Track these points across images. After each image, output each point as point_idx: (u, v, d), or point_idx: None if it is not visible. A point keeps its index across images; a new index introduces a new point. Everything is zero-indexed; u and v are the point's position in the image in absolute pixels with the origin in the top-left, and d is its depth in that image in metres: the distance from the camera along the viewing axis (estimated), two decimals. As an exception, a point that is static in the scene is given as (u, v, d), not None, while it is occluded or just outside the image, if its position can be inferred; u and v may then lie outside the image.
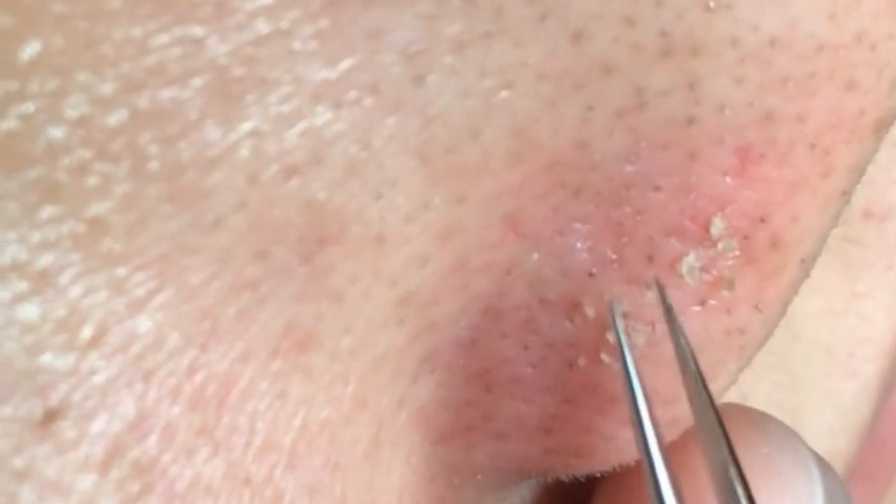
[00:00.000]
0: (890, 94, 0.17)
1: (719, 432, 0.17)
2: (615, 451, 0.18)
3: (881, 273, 0.25)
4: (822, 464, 0.21)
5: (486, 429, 0.18)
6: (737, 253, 0.17)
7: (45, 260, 0.13)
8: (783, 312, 0.18)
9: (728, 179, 0.17)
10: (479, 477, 0.19)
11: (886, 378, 0.26)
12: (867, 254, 0.25)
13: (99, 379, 0.14)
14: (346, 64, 0.15)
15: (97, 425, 0.14)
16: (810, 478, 0.20)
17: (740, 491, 0.16)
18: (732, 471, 0.17)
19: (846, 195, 0.18)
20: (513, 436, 0.18)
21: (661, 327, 0.17)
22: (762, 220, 0.17)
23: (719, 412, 0.17)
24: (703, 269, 0.17)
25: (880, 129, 0.18)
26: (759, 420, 0.21)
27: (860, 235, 0.25)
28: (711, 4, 0.16)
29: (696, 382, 0.17)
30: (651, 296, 0.17)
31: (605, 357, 0.18)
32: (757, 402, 0.25)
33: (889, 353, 0.26)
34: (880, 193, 0.25)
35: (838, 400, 0.26)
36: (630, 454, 0.19)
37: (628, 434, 0.18)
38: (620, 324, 0.17)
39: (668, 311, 0.17)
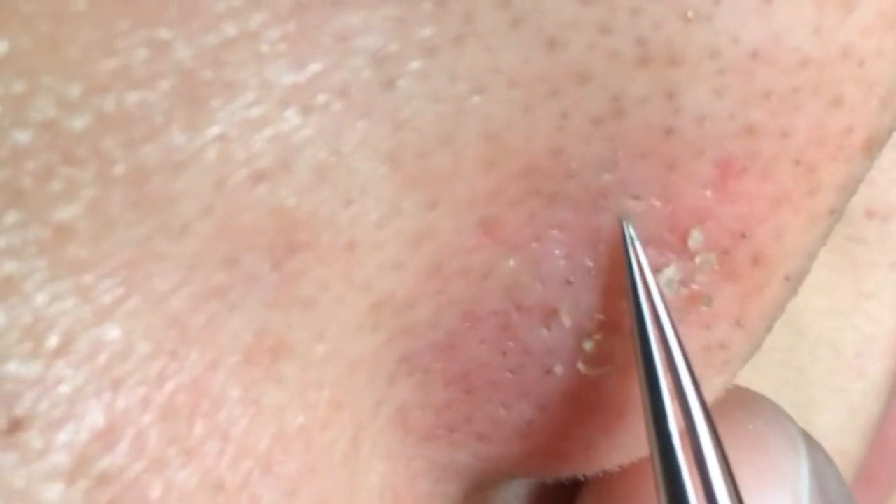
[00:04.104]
0: (880, 113, 0.17)
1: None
2: (594, 457, 0.18)
3: (886, 272, 0.25)
4: (811, 442, 0.20)
5: (468, 430, 0.18)
6: (716, 268, 0.17)
7: (10, 266, 0.13)
8: (769, 328, 0.18)
9: (708, 192, 0.16)
10: (463, 475, 0.19)
11: (894, 377, 0.26)
12: (871, 253, 0.25)
13: (66, 388, 0.14)
14: (314, 67, 0.14)
15: (64, 435, 0.14)
16: (797, 455, 0.20)
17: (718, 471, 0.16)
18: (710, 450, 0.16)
19: (835, 213, 0.17)
20: (493, 438, 0.18)
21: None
22: (743, 236, 0.17)
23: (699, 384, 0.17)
24: (682, 283, 0.17)
25: (871, 148, 0.17)
26: (746, 398, 0.20)
27: (863, 234, 0.25)
28: (690, 14, 0.15)
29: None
30: (627, 305, 0.17)
31: (581, 367, 0.17)
32: None
33: None
34: (882, 193, 0.24)
35: (846, 399, 0.25)
36: (610, 461, 0.18)
37: (607, 441, 0.18)
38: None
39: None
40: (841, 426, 0.25)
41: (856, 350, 0.25)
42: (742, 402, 0.20)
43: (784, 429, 0.20)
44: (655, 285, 0.17)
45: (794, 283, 0.17)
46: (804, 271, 0.18)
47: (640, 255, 0.17)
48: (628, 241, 0.17)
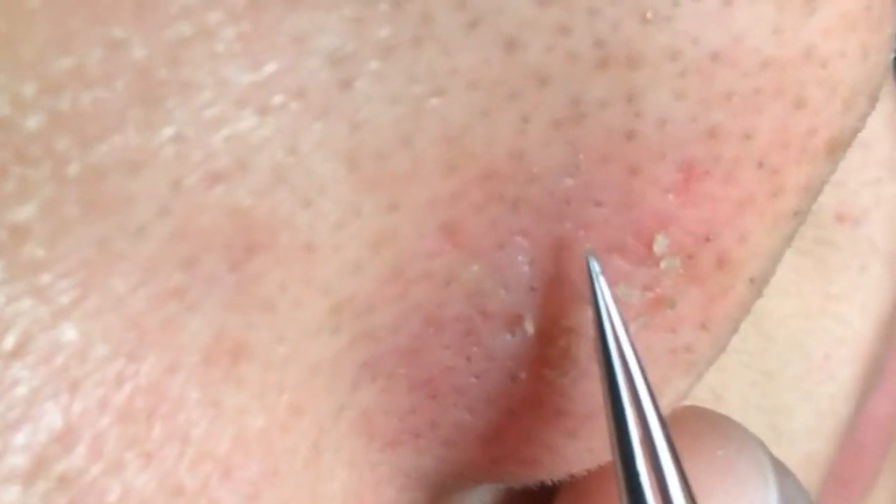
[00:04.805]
0: (844, 114, 0.17)
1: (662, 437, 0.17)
2: (561, 461, 0.18)
3: (855, 275, 0.25)
4: (780, 469, 0.20)
5: (433, 436, 0.18)
6: (680, 271, 0.17)
7: None
8: (734, 330, 0.18)
9: (671, 196, 0.16)
10: (428, 481, 0.19)
11: (864, 381, 0.26)
12: (841, 256, 0.25)
13: (22, 390, 0.14)
14: (270, 67, 0.14)
15: (21, 436, 0.14)
16: (765, 482, 0.20)
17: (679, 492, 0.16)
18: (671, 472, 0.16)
19: (799, 215, 0.17)
20: (459, 444, 0.18)
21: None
22: (707, 240, 0.17)
23: (663, 416, 0.17)
24: (646, 288, 0.17)
25: (834, 149, 0.17)
26: (717, 422, 0.20)
27: (833, 238, 0.25)
28: (649, 15, 0.15)
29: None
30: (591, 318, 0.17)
31: (547, 372, 0.17)
32: (733, 402, 0.25)
33: (865, 355, 0.25)
34: (853, 196, 0.24)
35: (816, 402, 0.25)
36: (577, 465, 0.18)
37: (574, 445, 0.18)
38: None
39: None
40: (811, 429, 0.25)
41: (825, 353, 0.25)
42: (713, 427, 0.20)
43: (754, 455, 0.20)
44: (621, 323, 0.17)
45: (758, 285, 0.17)
46: (769, 273, 0.18)
47: (606, 292, 0.17)
48: (594, 277, 0.16)
